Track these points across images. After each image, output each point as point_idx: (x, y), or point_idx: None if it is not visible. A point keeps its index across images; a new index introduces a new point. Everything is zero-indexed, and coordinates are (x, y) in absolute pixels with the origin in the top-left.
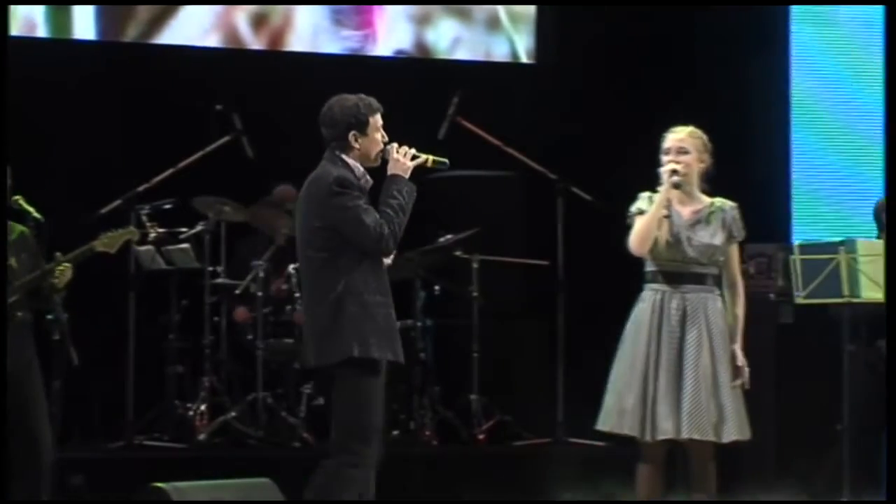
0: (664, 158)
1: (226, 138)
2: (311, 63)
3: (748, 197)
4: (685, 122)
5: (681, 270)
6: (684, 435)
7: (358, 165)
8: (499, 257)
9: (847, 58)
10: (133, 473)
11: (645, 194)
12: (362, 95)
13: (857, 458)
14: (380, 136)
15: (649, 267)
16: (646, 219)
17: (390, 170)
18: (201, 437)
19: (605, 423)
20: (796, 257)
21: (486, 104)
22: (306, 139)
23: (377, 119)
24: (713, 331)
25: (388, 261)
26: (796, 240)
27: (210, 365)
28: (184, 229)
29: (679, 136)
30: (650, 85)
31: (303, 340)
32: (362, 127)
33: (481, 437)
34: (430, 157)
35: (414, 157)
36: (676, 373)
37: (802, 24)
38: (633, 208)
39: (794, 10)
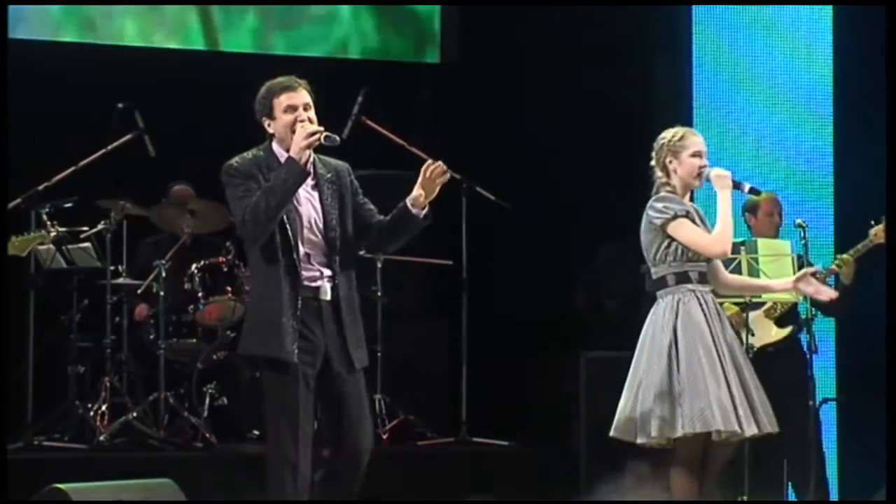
0: (696, 162)
1: (128, 136)
2: (215, 61)
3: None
4: (590, 123)
5: (703, 269)
6: (767, 429)
7: (283, 152)
8: (403, 257)
9: (747, 60)
10: (33, 474)
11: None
12: (278, 78)
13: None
14: (290, 116)
15: (678, 269)
16: (727, 224)
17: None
18: (102, 437)
19: (692, 425)
20: None
21: (391, 103)
22: (209, 138)
23: (281, 100)
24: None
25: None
26: None
27: (111, 365)
28: (85, 228)
29: (701, 139)
30: (554, 85)
31: None
32: (269, 111)
33: (385, 436)
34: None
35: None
36: (739, 369)
37: (704, 26)
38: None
39: (696, 10)
